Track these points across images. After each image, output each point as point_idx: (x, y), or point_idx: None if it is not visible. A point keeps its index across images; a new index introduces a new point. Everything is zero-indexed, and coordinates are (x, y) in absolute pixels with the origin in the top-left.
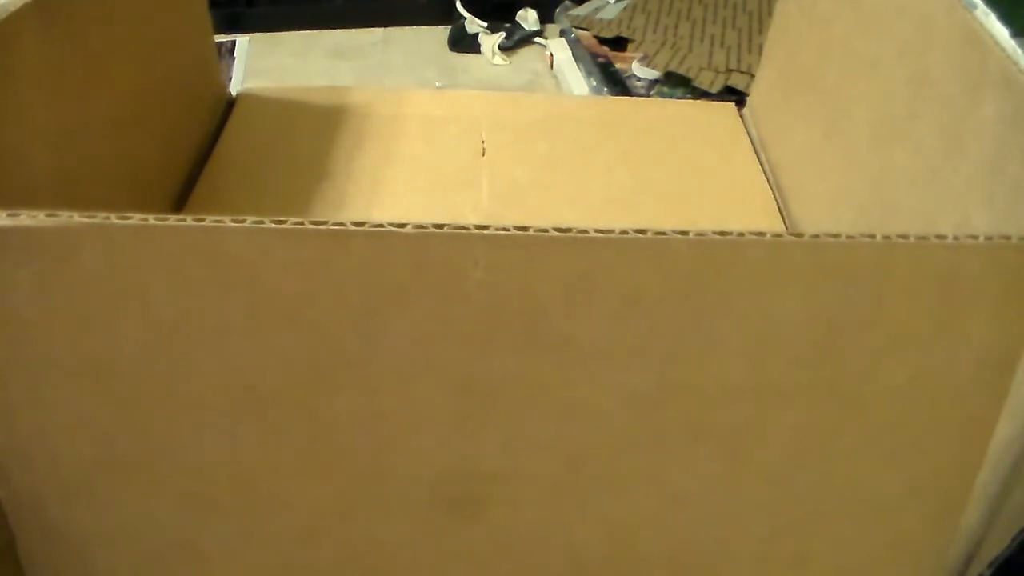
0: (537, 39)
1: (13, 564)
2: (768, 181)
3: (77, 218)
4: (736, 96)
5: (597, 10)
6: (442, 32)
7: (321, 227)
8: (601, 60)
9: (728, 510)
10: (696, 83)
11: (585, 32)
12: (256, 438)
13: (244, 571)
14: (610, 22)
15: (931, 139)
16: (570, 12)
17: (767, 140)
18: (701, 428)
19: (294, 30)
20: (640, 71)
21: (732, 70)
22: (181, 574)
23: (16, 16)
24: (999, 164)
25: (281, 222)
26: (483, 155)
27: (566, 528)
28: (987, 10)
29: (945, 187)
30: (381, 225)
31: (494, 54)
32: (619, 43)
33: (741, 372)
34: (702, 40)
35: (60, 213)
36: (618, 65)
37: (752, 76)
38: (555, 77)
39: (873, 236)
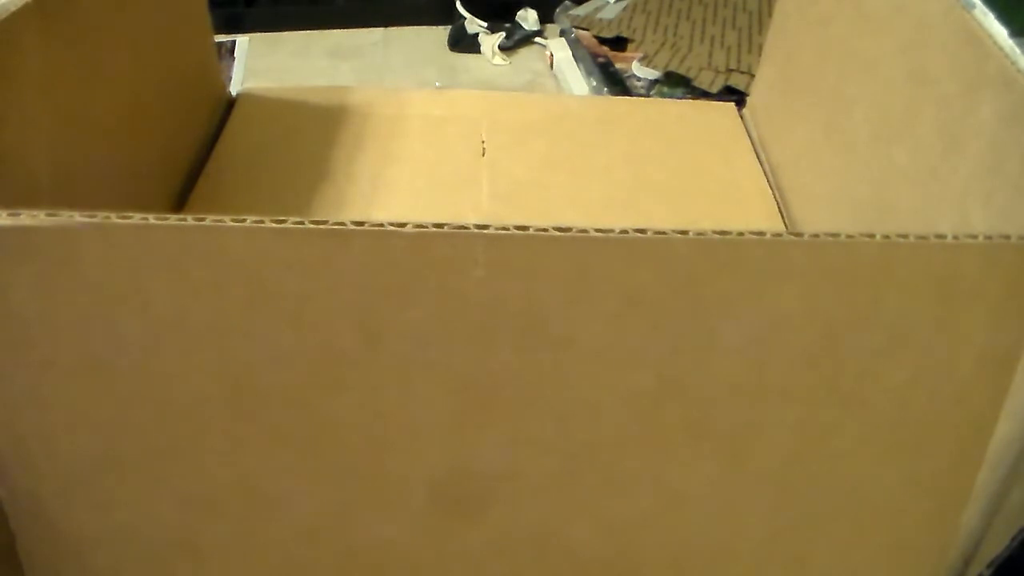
0: (537, 39)
1: (13, 564)
2: (768, 181)
3: (77, 218)
4: (736, 96)
5: (597, 10)
6: (442, 32)
7: (321, 227)
8: (601, 60)
9: (728, 510)
10: (696, 83)
11: (585, 32)
12: (256, 438)
13: (244, 571)
14: (610, 22)
15: (930, 139)
16: (570, 12)
17: (767, 140)
18: (701, 428)
19: (294, 30)
20: (640, 71)
21: (732, 70)
22: (181, 574)
23: (16, 16)
24: (998, 164)
25: (281, 222)
26: (483, 155)
27: (566, 528)
28: (985, 10)
29: (944, 187)
30: (381, 225)
31: (494, 54)
32: (619, 43)
33: (741, 372)
34: (702, 40)
35: (60, 213)
36: (618, 65)
37: (752, 76)
38: (555, 77)
39: (873, 236)
